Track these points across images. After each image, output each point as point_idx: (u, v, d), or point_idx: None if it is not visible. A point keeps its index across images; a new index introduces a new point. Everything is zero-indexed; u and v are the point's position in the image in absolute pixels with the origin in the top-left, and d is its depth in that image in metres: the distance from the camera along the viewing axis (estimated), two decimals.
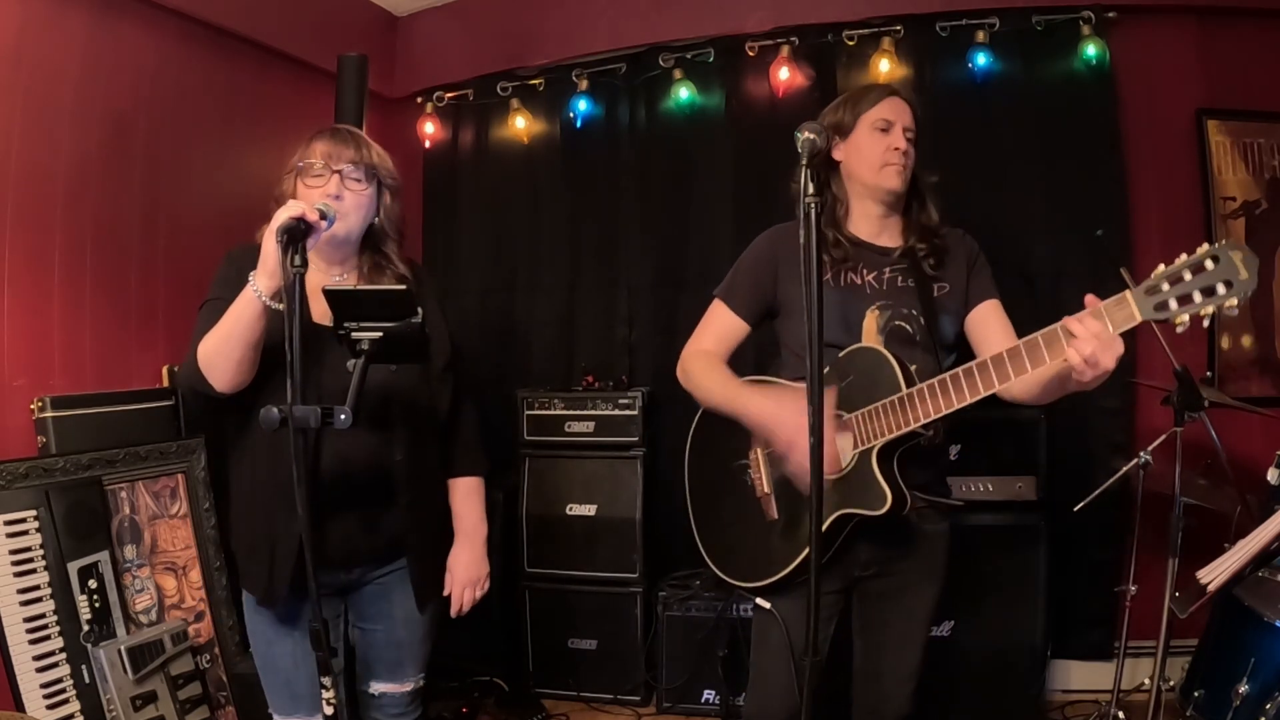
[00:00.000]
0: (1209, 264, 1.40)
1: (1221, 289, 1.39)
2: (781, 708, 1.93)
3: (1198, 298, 1.41)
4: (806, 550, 1.81)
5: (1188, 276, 1.41)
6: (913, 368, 1.82)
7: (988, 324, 1.92)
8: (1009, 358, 1.60)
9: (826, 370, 1.82)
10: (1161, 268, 1.45)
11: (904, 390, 1.72)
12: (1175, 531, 2.46)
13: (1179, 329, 1.46)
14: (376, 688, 1.94)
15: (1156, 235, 3.30)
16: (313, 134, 1.81)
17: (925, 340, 1.90)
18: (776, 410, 1.81)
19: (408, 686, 1.96)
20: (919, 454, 1.82)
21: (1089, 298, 1.52)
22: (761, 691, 2.02)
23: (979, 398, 1.65)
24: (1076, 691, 3.24)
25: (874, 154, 1.90)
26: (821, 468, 1.41)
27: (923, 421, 1.70)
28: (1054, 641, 3.09)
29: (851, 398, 1.78)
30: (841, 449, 1.80)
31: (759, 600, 1.94)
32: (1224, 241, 1.40)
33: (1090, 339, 1.48)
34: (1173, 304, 1.43)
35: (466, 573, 1.99)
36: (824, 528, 1.77)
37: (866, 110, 1.92)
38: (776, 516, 1.92)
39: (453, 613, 2.00)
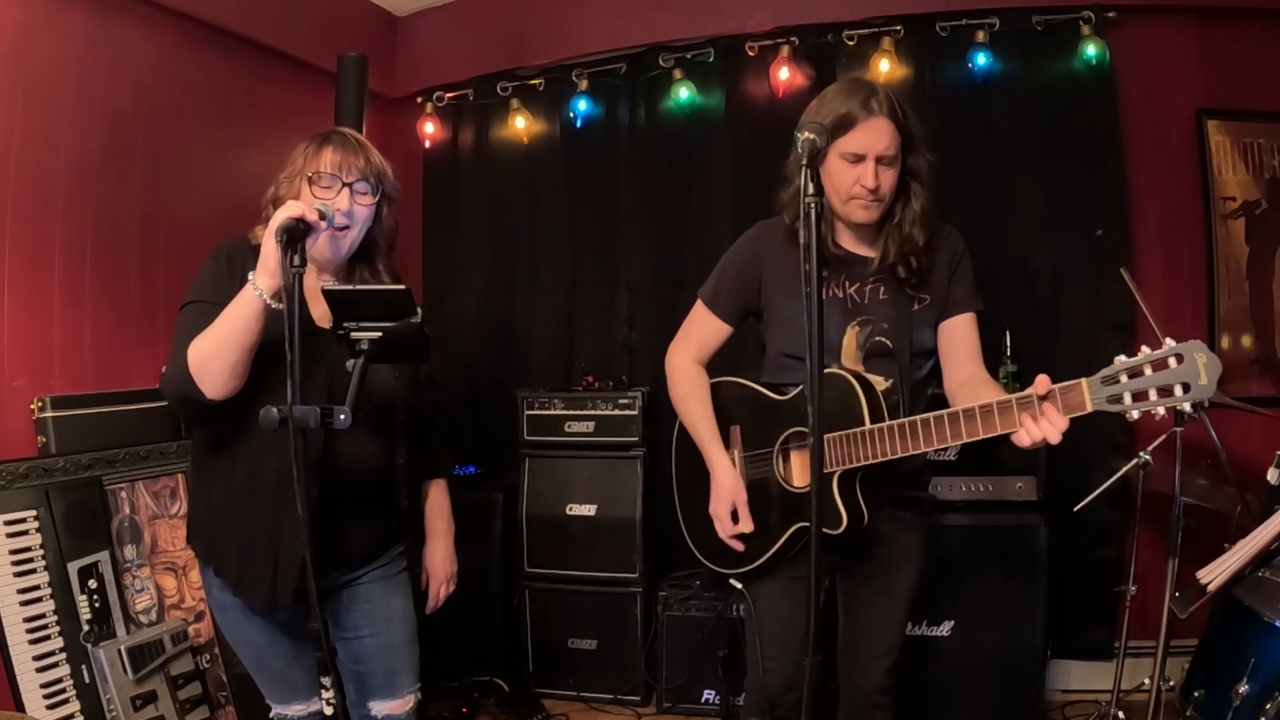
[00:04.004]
0: (1172, 362, 1.41)
1: (1179, 391, 1.41)
2: (773, 682, 2.00)
3: (1153, 395, 1.43)
4: (771, 551, 1.92)
5: (1148, 372, 1.43)
6: (887, 384, 1.87)
7: (955, 339, 1.94)
8: (964, 418, 1.64)
9: (798, 390, 1.90)
10: (1122, 359, 1.46)
11: (867, 425, 1.75)
12: (1175, 531, 2.46)
13: (1129, 419, 1.47)
14: (377, 708, 1.91)
15: (1156, 235, 3.30)
16: (317, 139, 1.78)
17: (902, 352, 1.91)
18: (724, 480, 1.94)
19: (408, 702, 1.93)
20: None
21: (1040, 378, 1.54)
22: (754, 666, 2.07)
23: (933, 449, 1.69)
24: (1076, 691, 3.24)
25: (842, 185, 1.83)
26: (821, 466, 1.44)
27: (880, 460, 1.74)
28: (1054, 641, 3.09)
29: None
30: (806, 466, 1.85)
31: (731, 580, 2.03)
32: (1192, 342, 1.41)
33: (1043, 426, 1.52)
34: (1127, 398, 1.45)
35: (444, 569, 2.05)
36: (784, 538, 1.89)
37: (839, 137, 1.78)
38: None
39: (429, 609, 2.04)
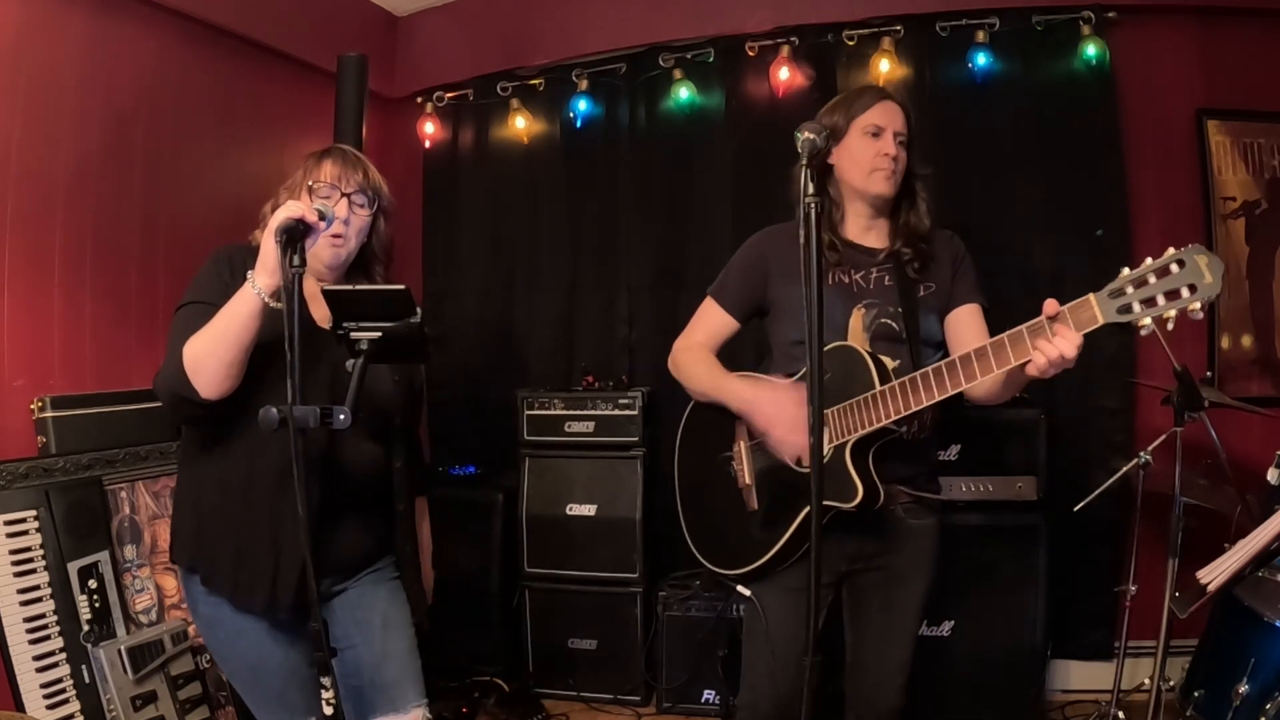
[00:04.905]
0: (1174, 268, 1.42)
1: (1186, 292, 1.41)
2: (768, 696, 1.97)
3: (1161, 300, 1.43)
4: (783, 540, 1.88)
5: (1152, 280, 1.44)
6: (896, 363, 1.87)
7: (963, 328, 1.96)
8: (976, 357, 1.64)
9: (803, 372, 1.88)
10: (1126, 271, 1.47)
11: (878, 389, 1.76)
12: (1175, 531, 2.46)
13: (1142, 332, 1.47)
14: None
15: (1156, 235, 3.29)
16: (318, 154, 1.82)
17: (910, 337, 1.93)
18: (754, 394, 1.90)
19: (416, 719, 1.82)
20: (902, 448, 1.85)
21: (1049, 301, 1.56)
22: (750, 680, 2.05)
23: (946, 395, 1.69)
24: (1076, 691, 3.24)
25: (864, 158, 1.93)
26: (821, 466, 1.44)
27: (893, 418, 1.74)
28: (1054, 641, 3.09)
29: (829, 394, 1.79)
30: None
31: (739, 587, 2.01)
32: (1190, 246, 1.41)
33: (1058, 344, 1.53)
34: (1136, 306, 1.46)
35: (425, 584, 2.04)
36: (794, 525, 1.86)
37: (859, 115, 1.94)
38: (756, 507, 1.96)
39: None
